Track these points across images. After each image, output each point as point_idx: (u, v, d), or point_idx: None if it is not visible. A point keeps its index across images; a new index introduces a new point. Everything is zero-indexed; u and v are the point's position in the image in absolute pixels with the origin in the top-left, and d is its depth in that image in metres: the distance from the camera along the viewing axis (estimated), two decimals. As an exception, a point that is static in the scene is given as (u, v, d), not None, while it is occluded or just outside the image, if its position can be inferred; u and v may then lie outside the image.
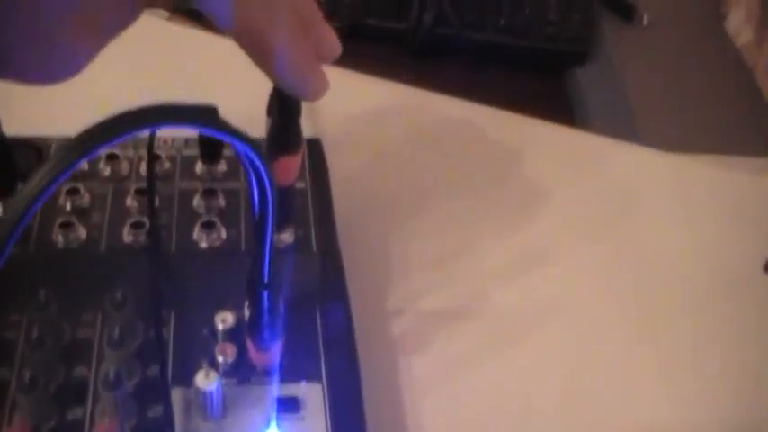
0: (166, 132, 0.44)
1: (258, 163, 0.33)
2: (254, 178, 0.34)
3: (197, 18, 0.45)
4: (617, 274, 0.55)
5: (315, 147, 0.51)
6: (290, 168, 0.42)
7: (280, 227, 0.45)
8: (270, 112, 0.43)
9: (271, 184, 0.34)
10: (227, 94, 0.36)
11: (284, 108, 0.41)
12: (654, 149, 0.68)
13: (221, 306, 0.42)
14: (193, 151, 0.50)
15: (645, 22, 0.83)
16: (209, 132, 0.32)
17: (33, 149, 0.49)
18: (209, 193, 0.47)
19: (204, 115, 0.31)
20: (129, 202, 0.47)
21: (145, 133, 0.43)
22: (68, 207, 0.46)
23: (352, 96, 0.62)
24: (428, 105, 0.66)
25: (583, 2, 0.83)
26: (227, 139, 0.31)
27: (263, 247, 0.37)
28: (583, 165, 0.63)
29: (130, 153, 0.49)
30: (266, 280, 0.38)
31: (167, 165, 0.49)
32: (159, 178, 0.48)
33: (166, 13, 0.82)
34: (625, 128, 0.77)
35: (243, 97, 0.43)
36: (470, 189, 0.59)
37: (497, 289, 0.52)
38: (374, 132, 0.62)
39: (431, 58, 0.81)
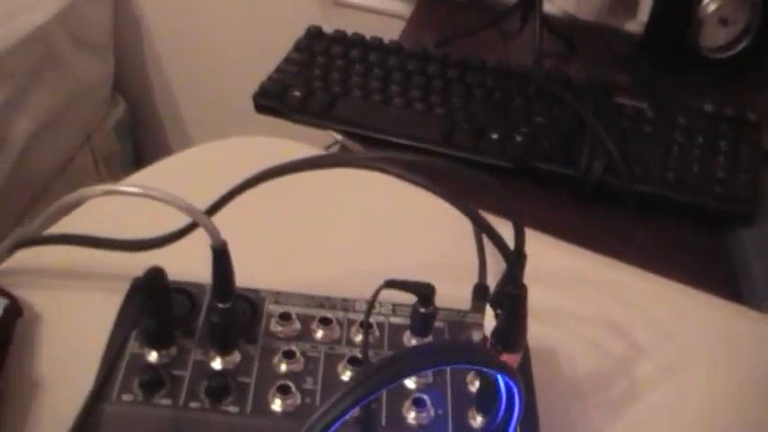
0: (382, 295, 0.46)
1: (517, 397, 0.34)
2: (505, 397, 0.35)
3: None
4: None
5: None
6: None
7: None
8: (495, 306, 0.44)
9: (519, 412, 0.35)
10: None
11: (515, 309, 0.42)
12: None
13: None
14: (400, 319, 0.51)
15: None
16: (478, 369, 0.33)
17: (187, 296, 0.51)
18: (418, 368, 0.48)
19: (480, 356, 0.32)
20: (341, 369, 0.48)
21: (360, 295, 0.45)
22: (284, 369, 0.48)
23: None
24: (600, 269, 0.67)
25: (752, 162, 0.83)
26: (495, 373, 0.33)
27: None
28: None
29: (340, 315, 0.51)
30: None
31: (377, 333, 0.50)
32: (370, 346, 0.50)
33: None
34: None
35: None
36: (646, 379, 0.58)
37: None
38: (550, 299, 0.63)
39: (595, 205, 0.82)
